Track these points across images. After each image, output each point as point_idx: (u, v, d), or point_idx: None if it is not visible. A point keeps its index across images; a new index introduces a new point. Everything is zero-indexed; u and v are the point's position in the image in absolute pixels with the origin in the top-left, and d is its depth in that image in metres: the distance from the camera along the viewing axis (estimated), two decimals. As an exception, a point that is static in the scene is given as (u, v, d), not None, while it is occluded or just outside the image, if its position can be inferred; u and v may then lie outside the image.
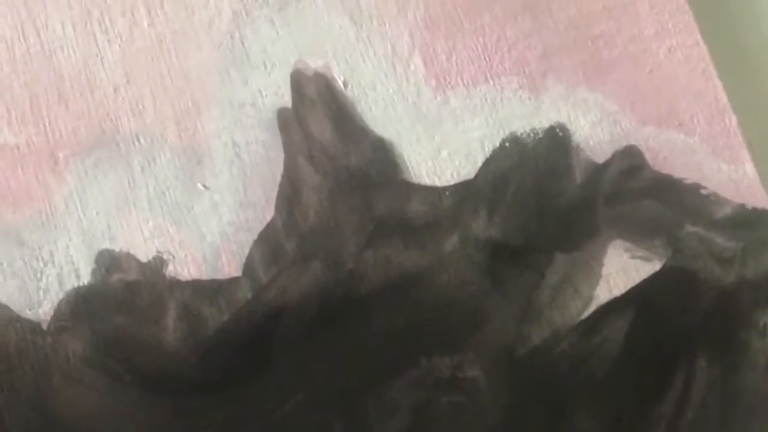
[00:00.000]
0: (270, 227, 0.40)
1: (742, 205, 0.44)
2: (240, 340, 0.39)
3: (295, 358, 0.39)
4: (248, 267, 0.39)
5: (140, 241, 0.39)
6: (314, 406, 0.38)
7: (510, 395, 0.40)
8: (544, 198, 0.43)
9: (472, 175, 0.43)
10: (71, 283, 0.38)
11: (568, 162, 0.44)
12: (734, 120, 0.45)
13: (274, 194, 0.40)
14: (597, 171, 0.44)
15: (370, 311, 0.40)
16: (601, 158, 0.44)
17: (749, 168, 0.45)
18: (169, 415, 0.37)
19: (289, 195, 0.41)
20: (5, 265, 0.38)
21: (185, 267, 0.39)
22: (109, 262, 0.38)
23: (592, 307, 0.42)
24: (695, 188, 0.44)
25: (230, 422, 0.37)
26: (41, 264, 0.38)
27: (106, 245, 0.39)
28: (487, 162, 0.43)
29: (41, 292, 0.38)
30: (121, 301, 0.38)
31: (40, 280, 0.38)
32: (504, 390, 0.40)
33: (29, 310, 0.38)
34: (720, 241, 0.44)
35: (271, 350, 0.39)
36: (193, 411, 0.38)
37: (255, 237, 0.40)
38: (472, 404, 0.40)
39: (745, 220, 0.44)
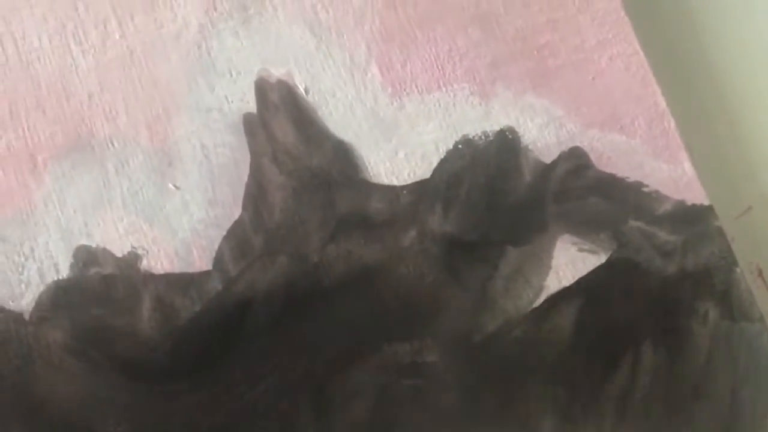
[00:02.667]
0: (238, 224, 0.47)
1: (682, 202, 0.52)
2: (211, 328, 0.45)
3: (264, 346, 0.46)
4: (218, 261, 0.46)
5: (115, 237, 0.46)
6: (283, 389, 0.45)
7: (467, 379, 0.47)
8: (496, 195, 0.50)
9: (427, 175, 0.50)
10: (51, 277, 0.44)
11: (517, 162, 0.51)
12: (672, 123, 0.53)
13: (241, 193, 0.47)
14: (545, 170, 0.51)
15: (334, 301, 0.47)
16: (548, 159, 0.51)
17: (687, 167, 0.53)
18: (145, 399, 0.44)
19: (256, 193, 0.48)
20: (-14, 262, 0.44)
21: (158, 261, 0.46)
22: (86, 256, 0.45)
23: (543, 297, 0.49)
24: (637, 186, 0.52)
25: (203, 405, 0.44)
26: (22, 259, 0.45)
27: (84, 241, 0.45)
28: (442, 162, 0.50)
29: (23, 285, 0.44)
30: (98, 293, 0.44)
31: (22, 273, 0.44)
32: (461, 374, 0.47)
33: (12, 301, 0.44)
34: (662, 234, 0.52)
35: (241, 338, 0.46)
36: (168, 395, 0.44)
37: (224, 233, 0.47)
38: (430, 387, 0.47)
39: (685, 215, 0.52)
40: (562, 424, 0.46)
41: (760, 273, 0.54)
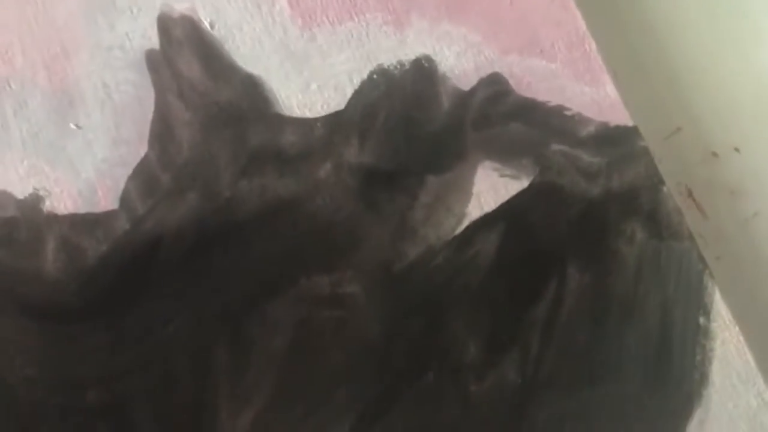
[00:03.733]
0: (145, 162, 0.47)
1: (605, 124, 0.52)
2: (120, 268, 0.45)
3: (176, 284, 0.46)
4: (125, 200, 0.46)
5: (16, 180, 0.45)
6: (196, 327, 0.45)
7: (389, 308, 0.47)
8: (414, 125, 0.51)
9: (342, 107, 0.50)
10: None
11: (435, 90, 0.51)
12: (594, 45, 0.53)
13: (146, 131, 0.47)
14: (463, 98, 0.51)
15: (249, 236, 0.47)
16: (467, 86, 0.52)
17: (610, 89, 0.53)
18: (54, 341, 0.44)
19: (162, 131, 0.47)
20: None
21: (62, 203, 0.45)
22: None
23: (465, 224, 0.49)
24: (559, 110, 0.52)
25: (114, 344, 0.44)
26: None
27: None
28: (356, 93, 0.50)
29: None
30: None
31: None
32: (383, 303, 0.47)
33: None
34: (585, 157, 0.52)
35: (152, 277, 0.45)
36: (77, 336, 0.44)
37: (130, 172, 0.46)
38: (352, 318, 0.47)
39: (609, 137, 0.52)
40: (487, 348, 0.46)
41: (690, 193, 0.55)
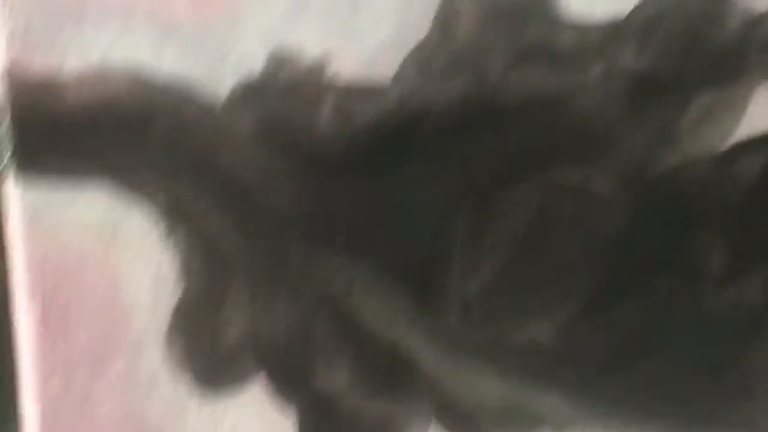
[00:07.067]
0: (423, 44, 0.54)
1: None
2: (384, 136, 0.52)
3: (432, 158, 0.52)
4: (398, 77, 0.53)
5: (308, 45, 0.54)
6: (446, 193, 0.52)
7: (635, 210, 0.51)
8: (696, 39, 0.54)
9: (623, 15, 0.54)
10: (244, 75, 0.54)
11: (723, 8, 0.54)
12: None
13: (431, 16, 0.54)
14: (754, 19, 0.54)
15: (508, 124, 0.53)
16: (762, 7, 0.54)
17: None
18: (317, 183, 0.52)
19: (444, 18, 0.54)
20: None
21: (344, 70, 0.54)
22: (278, 59, 0.54)
23: (731, 142, 0.52)
24: None
25: (370, 195, 0.51)
26: (220, 56, 0.54)
27: (278, 45, 0.54)
28: (640, 3, 0.54)
29: (217, 81, 0.54)
30: (284, 93, 0.53)
31: (218, 70, 0.54)
32: (629, 205, 0.51)
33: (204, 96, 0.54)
34: None
35: (411, 148, 0.53)
36: (337, 190, 0.52)
37: (409, 50, 0.54)
38: (595, 213, 0.51)
39: None
40: (732, 263, 0.49)
41: None
